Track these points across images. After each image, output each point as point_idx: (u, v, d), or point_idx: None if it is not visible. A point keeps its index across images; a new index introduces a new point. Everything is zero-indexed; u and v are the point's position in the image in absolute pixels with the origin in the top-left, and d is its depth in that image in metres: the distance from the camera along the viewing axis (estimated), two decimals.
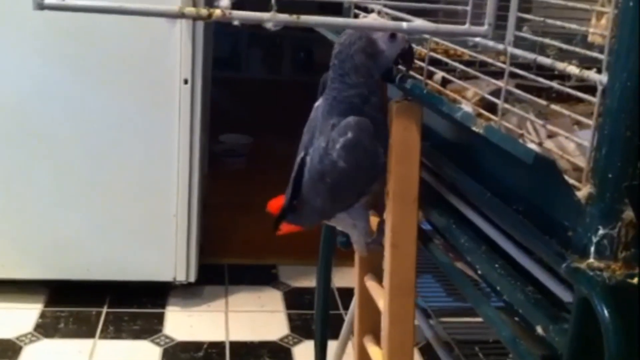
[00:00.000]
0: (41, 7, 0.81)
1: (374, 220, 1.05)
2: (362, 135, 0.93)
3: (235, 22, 0.83)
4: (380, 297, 1.03)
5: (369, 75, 0.94)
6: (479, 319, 0.85)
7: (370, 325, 1.14)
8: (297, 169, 1.03)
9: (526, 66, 0.94)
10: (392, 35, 0.93)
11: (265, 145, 3.50)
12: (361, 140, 0.93)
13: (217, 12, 0.82)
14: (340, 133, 0.94)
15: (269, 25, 0.83)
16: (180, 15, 0.84)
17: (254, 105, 4.13)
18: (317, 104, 1.04)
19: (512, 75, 0.84)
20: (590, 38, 0.81)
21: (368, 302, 1.11)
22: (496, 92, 0.85)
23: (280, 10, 0.81)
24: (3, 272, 2.05)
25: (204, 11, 0.83)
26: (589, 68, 0.71)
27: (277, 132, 3.69)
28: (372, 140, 0.94)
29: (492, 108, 0.84)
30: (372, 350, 1.11)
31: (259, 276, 2.36)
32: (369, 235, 1.05)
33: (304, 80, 3.36)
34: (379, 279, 1.10)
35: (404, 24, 0.85)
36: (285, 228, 1.08)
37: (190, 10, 0.83)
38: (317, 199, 1.00)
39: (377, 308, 1.05)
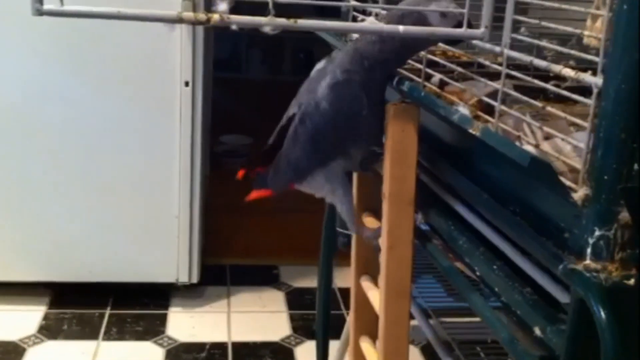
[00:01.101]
0: (40, 13, 0.82)
1: (371, 222, 1.06)
2: (351, 81, 0.93)
3: (234, 27, 0.84)
4: (376, 298, 1.03)
5: (408, 48, 0.94)
6: (479, 319, 0.85)
7: (366, 326, 1.14)
8: (284, 123, 1.01)
9: (524, 67, 0.95)
10: (444, 14, 0.92)
11: (265, 145, 3.51)
12: (349, 83, 0.93)
13: (215, 16, 0.83)
14: (331, 76, 0.95)
15: (267, 30, 0.83)
16: (179, 20, 0.85)
17: (254, 105, 4.14)
18: (318, 66, 1.02)
19: (510, 76, 0.84)
20: (585, 40, 0.81)
21: (364, 303, 1.12)
22: (493, 94, 0.86)
23: (279, 12, 0.81)
24: (7, 274, 2.06)
25: (202, 16, 0.84)
26: (585, 70, 0.72)
27: None
28: (360, 89, 0.93)
29: (489, 110, 0.85)
30: (368, 351, 1.11)
31: (260, 277, 2.37)
32: (354, 214, 1.04)
33: (304, 80, 3.37)
34: (375, 280, 1.10)
35: (401, 27, 0.85)
36: (255, 194, 1.07)
37: (188, 15, 0.84)
38: (294, 150, 0.98)
39: (372, 309, 1.05)
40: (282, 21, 0.83)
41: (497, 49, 0.82)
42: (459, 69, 0.97)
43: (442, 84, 1.00)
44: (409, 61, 1.07)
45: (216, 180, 2.78)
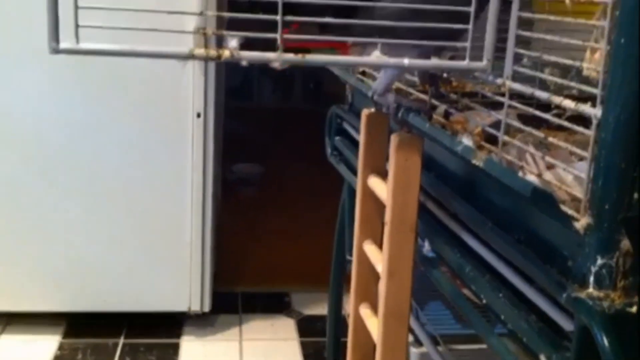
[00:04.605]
0: (57, 51, 0.85)
1: (372, 250, 1.06)
2: None
3: (244, 63, 0.87)
4: (374, 326, 1.04)
5: None
6: (486, 346, 0.86)
7: (363, 354, 1.15)
8: None
9: (527, 97, 0.96)
10: None
11: (276, 173, 3.56)
12: None
13: (226, 52, 0.86)
14: None
15: (276, 65, 0.86)
16: (191, 57, 0.87)
17: (265, 133, 4.19)
18: None
19: (514, 105, 0.86)
20: (585, 72, 0.83)
21: (361, 330, 1.12)
22: (497, 124, 0.88)
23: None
24: (21, 304, 2.08)
25: (213, 52, 0.86)
26: (587, 99, 0.73)
27: (288, 160, 3.75)
28: None
29: (493, 139, 0.87)
30: None
31: (272, 304, 2.37)
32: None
33: (313, 109, 3.44)
34: (373, 307, 1.11)
35: (406, 60, 0.88)
36: None
37: (200, 52, 0.87)
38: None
39: (370, 336, 1.05)
40: (290, 57, 0.85)
41: (499, 80, 0.84)
42: (464, 100, 0.99)
43: (447, 114, 1.02)
44: (415, 92, 1.10)
45: (227, 207, 2.81)
